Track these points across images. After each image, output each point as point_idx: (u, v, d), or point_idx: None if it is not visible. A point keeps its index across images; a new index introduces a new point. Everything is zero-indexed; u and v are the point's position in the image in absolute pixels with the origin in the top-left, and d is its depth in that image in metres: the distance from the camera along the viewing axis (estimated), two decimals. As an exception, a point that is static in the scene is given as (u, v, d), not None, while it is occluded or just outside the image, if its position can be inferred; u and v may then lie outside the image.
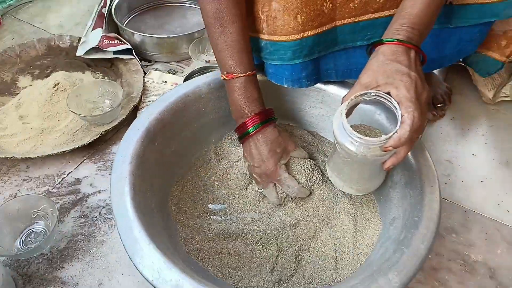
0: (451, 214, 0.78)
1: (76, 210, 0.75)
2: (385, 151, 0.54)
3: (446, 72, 1.07)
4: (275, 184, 0.69)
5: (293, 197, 0.71)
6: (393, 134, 0.52)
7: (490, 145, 0.91)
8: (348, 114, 0.57)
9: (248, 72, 0.66)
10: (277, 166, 0.68)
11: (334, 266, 0.65)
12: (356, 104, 0.59)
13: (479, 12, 0.67)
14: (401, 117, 0.52)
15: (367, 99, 0.56)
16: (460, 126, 0.95)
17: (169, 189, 0.74)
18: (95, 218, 0.74)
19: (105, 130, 0.85)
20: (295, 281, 0.64)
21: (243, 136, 0.68)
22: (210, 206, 0.75)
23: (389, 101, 0.54)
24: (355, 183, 0.66)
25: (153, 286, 0.52)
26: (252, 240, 0.70)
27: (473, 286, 0.68)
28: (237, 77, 0.66)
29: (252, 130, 0.67)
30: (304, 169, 0.71)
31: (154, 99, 0.94)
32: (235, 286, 0.63)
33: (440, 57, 0.73)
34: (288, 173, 0.69)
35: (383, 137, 0.53)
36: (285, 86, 0.72)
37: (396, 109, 0.53)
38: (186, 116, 0.76)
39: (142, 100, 0.93)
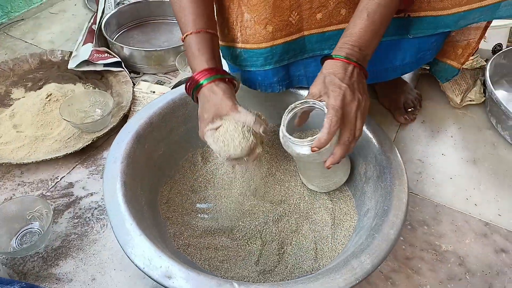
0: (423, 208, 0.83)
1: (70, 212, 0.79)
2: (312, 152, 0.61)
3: (417, 80, 1.15)
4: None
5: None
6: (315, 136, 0.60)
7: (458, 145, 0.97)
8: (302, 120, 0.68)
9: (199, 29, 0.67)
10: (203, 132, 0.67)
11: (314, 256, 0.70)
12: (309, 111, 0.67)
13: (433, 23, 0.74)
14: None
15: (307, 106, 0.64)
16: (430, 128, 1.02)
17: (159, 189, 0.79)
18: (87, 219, 0.78)
19: (96, 137, 0.89)
20: (278, 271, 0.69)
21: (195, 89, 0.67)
22: (198, 205, 0.79)
23: (322, 109, 0.61)
24: (314, 181, 0.76)
25: (145, 273, 0.56)
26: (237, 236, 0.74)
27: (444, 273, 0.73)
28: (188, 35, 0.67)
29: (193, 91, 0.67)
30: (229, 133, 0.64)
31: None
32: (222, 277, 0.67)
33: (402, 65, 0.80)
34: (213, 140, 0.65)
35: (308, 138, 0.61)
36: (258, 90, 0.78)
37: (322, 106, 0.61)
38: (173, 120, 0.81)
39: (132, 109, 0.98)
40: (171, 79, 1.13)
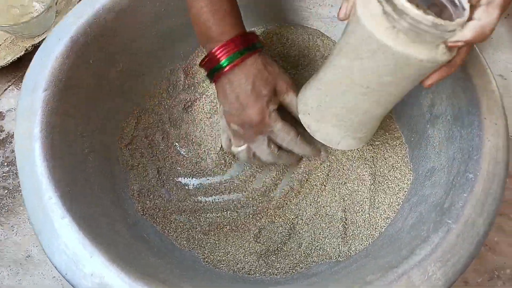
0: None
1: (-2, 154, 0.57)
2: (450, 47, 0.32)
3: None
4: (265, 137, 0.47)
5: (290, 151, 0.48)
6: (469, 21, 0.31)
7: (559, 56, 0.67)
8: None
9: None
10: (265, 113, 0.45)
11: (342, 232, 0.47)
12: None
13: None
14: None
15: None
16: (519, 28, 0.70)
17: (117, 125, 0.54)
18: (22, 165, 0.56)
19: (32, 44, 0.62)
20: (287, 252, 0.47)
21: (213, 71, 0.46)
22: (178, 147, 0.55)
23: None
24: (367, 125, 0.42)
25: (68, 281, 0.35)
26: (231, 195, 0.52)
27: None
28: None
29: (226, 63, 0.44)
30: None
31: None
32: (204, 260, 0.46)
33: None
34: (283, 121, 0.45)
35: (457, 20, 0.31)
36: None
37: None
38: (137, 20, 0.53)
39: (86, 0, 0.69)
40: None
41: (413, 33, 0.31)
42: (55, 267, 0.35)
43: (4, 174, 0.55)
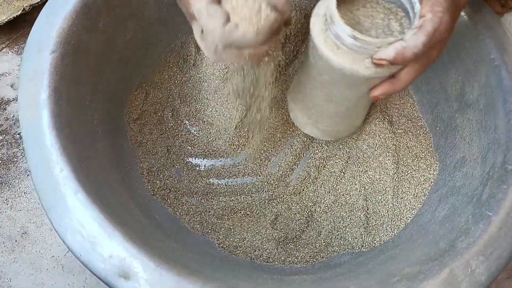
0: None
1: (-11, 122, 0.52)
2: (376, 64, 0.33)
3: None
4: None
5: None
6: (396, 40, 0.32)
7: None
8: None
9: None
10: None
11: (364, 221, 0.45)
12: None
13: None
14: (420, 18, 0.32)
15: None
16: (535, 25, 0.69)
17: (126, 97, 0.50)
18: (17, 136, 0.51)
19: (30, 4, 0.57)
20: (307, 239, 0.45)
21: None
22: (188, 125, 0.52)
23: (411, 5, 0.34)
24: (324, 120, 0.45)
25: (83, 264, 0.31)
26: (246, 177, 0.49)
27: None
28: None
29: None
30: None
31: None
32: (220, 245, 0.44)
33: None
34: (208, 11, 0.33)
35: (386, 39, 0.33)
36: None
37: (413, 4, 0.34)
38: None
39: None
40: None
41: (344, 46, 0.34)
42: (68, 247, 0.32)
43: (-4, 144, 0.50)
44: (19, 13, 0.56)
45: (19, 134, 0.51)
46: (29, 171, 0.49)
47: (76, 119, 0.39)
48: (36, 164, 0.35)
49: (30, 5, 0.57)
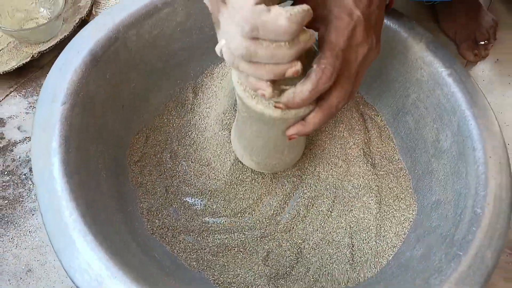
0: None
1: (-3, 163, 0.55)
2: (275, 107, 0.37)
3: (490, 0, 0.85)
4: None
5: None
6: (290, 88, 0.35)
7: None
8: None
9: None
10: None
11: (350, 258, 0.48)
12: None
13: None
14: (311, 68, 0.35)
15: None
16: (507, 71, 0.76)
17: (128, 141, 0.54)
18: (23, 176, 0.54)
19: (39, 51, 0.61)
20: (296, 276, 0.48)
21: None
22: (184, 165, 0.55)
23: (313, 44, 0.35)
24: (255, 153, 0.49)
25: (89, 303, 0.34)
26: (240, 218, 0.52)
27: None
28: None
29: None
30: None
31: (113, 11, 0.70)
32: (215, 281, 0.46)
33: None
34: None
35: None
36: None
37: (316, 54, 0.36)
38: (155, 35, 0.54)
39: (94, 12, 0.69)
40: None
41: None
42: (77, 286, 0.34)
43: (4, 184, 0.53)
44: (28, 59, 0.60)
45: (25, 174, 0.54)
46: (33, 211, 0.52)
47: (83, 165, 0.43)
48: (47, 208, 0.38)
49: (39, 52, 0.61)
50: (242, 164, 0.54)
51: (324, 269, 0.48)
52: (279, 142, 0.46)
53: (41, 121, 0.42)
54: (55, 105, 0.43)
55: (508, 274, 0.54)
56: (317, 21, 0.35)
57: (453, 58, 0.51)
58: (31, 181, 0.54)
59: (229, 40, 0.32)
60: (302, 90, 0.34)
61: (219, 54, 0.34)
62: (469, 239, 0.39)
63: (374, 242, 0.49)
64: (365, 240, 0.49)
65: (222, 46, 0.33)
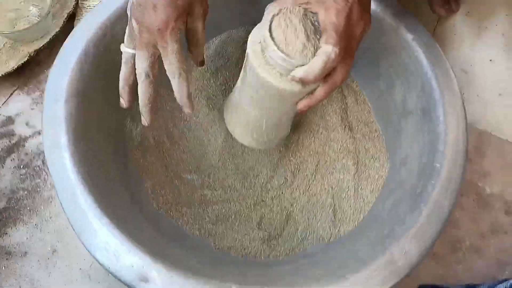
0: (465, 139, 0.67)
1: (13, 159, 0.61)
2: (292, 80, 0.42)
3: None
4: (153, 52, 0.45)
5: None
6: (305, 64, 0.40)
7: (510, 47, 0.76)
8: None
9: None
10: (170, 25, 0.42)
11: (332, 217, 0.55)
12: None
13: None
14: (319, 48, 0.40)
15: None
16: (477, 23, 0.79)
17: (128, 128, 0.59)
18: (37, 168, 0.60)
19: (35, 50, 0.65)
20: (287, 236, 0.55)
21: None
22: (181, 145, 0.61)
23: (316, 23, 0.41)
24: (259, 131, 0.53)
25: (111, 274, 0.41)
26: (235, 186, 0.58)
27: (486, 223, 0.60)
28: None
29: None
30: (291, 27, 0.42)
31: (95, 2, 0.73)
32: (216, 247, 0.53)
33: None
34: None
35: (295, 60, 0.41)
36: None
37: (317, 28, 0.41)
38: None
39: (80, 4, 0.71)
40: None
41: (277, 66, 0.42)
42: (98, 262, 0.41)
43: (21, 176, 0.59)
44: (26, 59, 0.64)
45: (39, 166, 0.60)
46: (51, 198, 0.59)
47: (92, 155, 0.48)
48: (65, 197, 0.44)
49: (35, 50, 0.65)
50: (232, 139, 0.59)
51: (310, 228, 0.55)
52: (285, 116, 0.51)
53: (49, 120, 0.47)
54: (59, 104, 0.48)
55: (475, 216, 0.61)
56: (316, 6, 0.40)
57: (418, 23, 0.55)
58: (45, 172, 0.60)
59: None
60: (314, 68, 0.39)
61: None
62: (429, 191, 0.45)
63: (353, 200, 0.55)
64: (345, 199, 0.56)
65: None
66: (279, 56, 0.41)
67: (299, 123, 0.61)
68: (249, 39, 0.45)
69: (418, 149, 0.51)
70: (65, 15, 0.69)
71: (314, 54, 0.40)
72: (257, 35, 0.44)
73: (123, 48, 0.48)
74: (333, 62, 0.39)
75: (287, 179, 0.58)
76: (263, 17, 0.44)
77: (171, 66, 0.44)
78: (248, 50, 0.44)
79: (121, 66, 0.49)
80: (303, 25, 0.41)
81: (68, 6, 0.70)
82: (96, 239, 0.42)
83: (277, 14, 0.42)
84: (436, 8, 0.78)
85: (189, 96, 0.47)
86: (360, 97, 0.62)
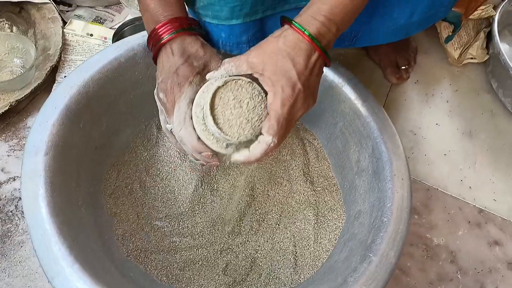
0: (414, 193, 0.73)
1: (-14, 204, 0.62)
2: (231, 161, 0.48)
3: (414, 28, 0.98)
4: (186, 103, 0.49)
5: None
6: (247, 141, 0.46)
7: (454, 113, 0.86)
8: None
9: None
10: (184, 82, 0.49)
11: (293, 263, 0.59)
12: None
13: None
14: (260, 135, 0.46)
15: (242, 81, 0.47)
16: (424, 90, 0.89)
17: (102, 176, 0.62)
18: (10, 213, 0.62)
19: (16, 100, 0.69)
20: (251, 281, 0.58)
21: (156, 47, 0.51)
22: (153, 193, 0.64)
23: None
24: None
25: (80, 319, 0.43)
26: (202, 235, 0.62)
27: (435, 272, 0.66)
28: None
29: (167, 37, 0.50)
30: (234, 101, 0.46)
31: (78, 57, 0.78)
32: (183, 292, 0.56)
33: (408, 24, 0.63)
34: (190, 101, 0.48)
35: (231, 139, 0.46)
36: (221, 51, 0.57)
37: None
38: (118, 86, 0.62)
39: (62, 58, 0.76)
40: (114, 16, 0.89)
41: (215, 135, 0.46)
42: (68, 307, 0.43)
43: (-7, 222, 0.61)
44: (7, 108, 0.67)
45: (11, 211, 0.62)
46: (21, 243, 0.60)
47: (67, 204, 0.51)
48: (39, 244, 0.46)
49: (16, 100, 0.69)
50: (202, 188, 0.63)
51: (273, 274, 0.59)
52: None
53: (28, 171, 0.50)
54: (39, 157, 0.51)
55: (424, 265, 0.66)
56: (267, 84, 0.45)
57: (368, 92, 0.63)
58: (18, 217, 0.62)
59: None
60: (256, 154, 0.46)
61: (165, 132, 0.52)
62: (378, 243, 0.50)
63: (313, 248, 0.60)
64: (306, 247, 0.60)
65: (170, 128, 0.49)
66: (216, 131, 0.45)
67: (264, 175, 0.66)
68: (194, 100, 0.48)
69: (370, 205, 0.57)
70: (48, 68, 0.73)
71: (251, 134, 0.46)
72: (201, 100, 0.46)
73: (164, 126, 0.53)
74: (272, 149, 0.45)
75: (252, 227, 0.62)
76: (209, 81, 0.48)
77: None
78: (192, 112, 0.47)
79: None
80: (247, 101, 0.46)
81: (51, 60, 0.74)
82: (67, 285, 0.44)
83: (222, 86, 0.46)
84: (388, 76, 0.88)
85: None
86: (321, 153, 0.69)
